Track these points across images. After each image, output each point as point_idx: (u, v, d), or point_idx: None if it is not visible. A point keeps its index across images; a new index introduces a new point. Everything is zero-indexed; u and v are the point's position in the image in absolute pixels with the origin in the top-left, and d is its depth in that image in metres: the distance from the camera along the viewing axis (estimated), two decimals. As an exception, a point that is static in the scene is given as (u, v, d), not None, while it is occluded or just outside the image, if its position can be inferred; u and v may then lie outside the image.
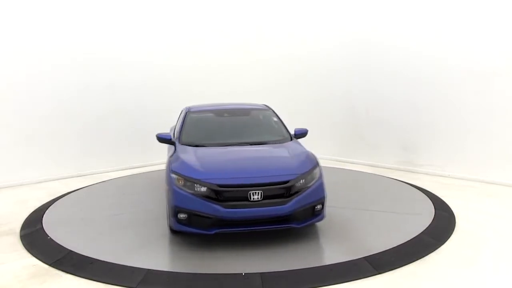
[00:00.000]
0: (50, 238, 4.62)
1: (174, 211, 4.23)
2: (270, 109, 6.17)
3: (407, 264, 3.84)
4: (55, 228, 4.93)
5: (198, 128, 5.61)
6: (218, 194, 4.11)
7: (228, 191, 4.12)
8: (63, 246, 4.36)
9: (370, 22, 8.35)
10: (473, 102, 6.99)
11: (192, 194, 4.17)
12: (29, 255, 4.23)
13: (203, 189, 4.16)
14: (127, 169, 8.41)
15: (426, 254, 4.05)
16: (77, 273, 3.76)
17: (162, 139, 5.35)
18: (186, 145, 5.13)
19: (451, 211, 5.40)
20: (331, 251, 4.18)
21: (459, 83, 7.14)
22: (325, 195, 4.52)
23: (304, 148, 5.11)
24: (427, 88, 7.58)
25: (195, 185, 4.19)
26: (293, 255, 4.21)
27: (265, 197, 4.13)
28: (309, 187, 4.36)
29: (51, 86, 7.57)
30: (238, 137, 5.33)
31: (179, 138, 5.34)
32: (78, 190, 6.80)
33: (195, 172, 4.32)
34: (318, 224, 4.95)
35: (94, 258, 4.04)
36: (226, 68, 9.80)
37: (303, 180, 4.35)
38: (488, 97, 6.82)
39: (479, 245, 4.30)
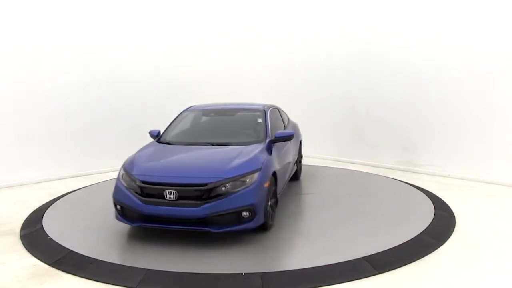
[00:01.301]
0: (50, 238, 4.62)
1: (113, 202, 4.59)
2: (264, 110, 5.88)
3: (406, 264, 3.83)
4: (55, 228, 4.92)
5: (179, 126, 5.87)
6: (142, 190, 4.32)
7: (148, 187, 4.31)
8: (63, 246, 4.35)
9: (370, 22, 8.34)
10: (473, 102, 6.99)
11: (126, 188, 4.45)
12: (29, 255, 4.23)
13: (134, 184, 4.40)
14: (127, 169, 8.40)
15: (426, 254, 4.04)
16: (77, 273, 3.75)
17: (151, 135, 5.77)
18: (162, 142, 5.46)
19: (451, 211, 5.40)
20: (330, 251, 4.17)
21: (459, 83, 7.14)
22: (256, 202, 4.22)
23: (258, 153, 4.72)
24: (427, 88, 7.57)
25: (130, 180, 4.47)
26: (293, 255, 4.22)
27: (180, 197, 4.18)
28: (235, 192, 4.18)
29: (51, 86, 7.57)
30: (207, 138, 5.46)
31: (162, 135, 5.67)
32: (78, 190, 6.81)
33: (133, 168, 4.59)
34: (317, 223, 4.97)
35: (94, 258, 4.03)
36: (226, 68, 9.81)
37: (229, 185, 4.21)
38: (488, 97, 6.82)
39: (479, 245, 4.30)
